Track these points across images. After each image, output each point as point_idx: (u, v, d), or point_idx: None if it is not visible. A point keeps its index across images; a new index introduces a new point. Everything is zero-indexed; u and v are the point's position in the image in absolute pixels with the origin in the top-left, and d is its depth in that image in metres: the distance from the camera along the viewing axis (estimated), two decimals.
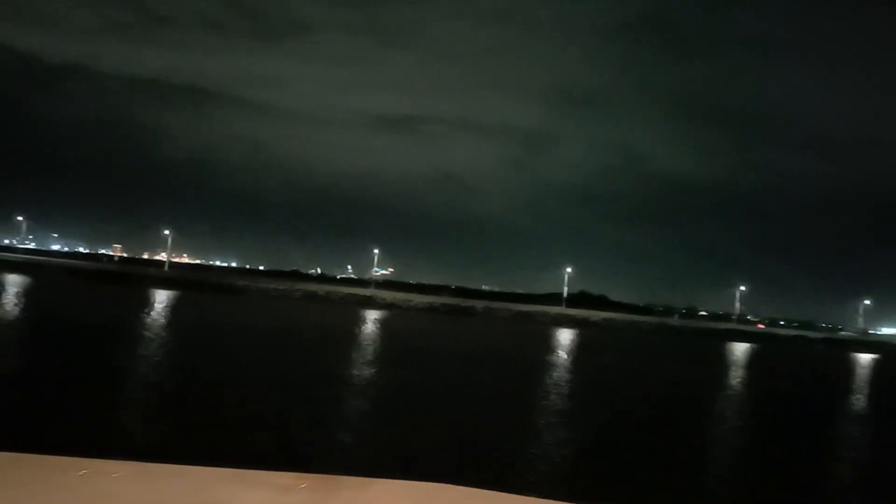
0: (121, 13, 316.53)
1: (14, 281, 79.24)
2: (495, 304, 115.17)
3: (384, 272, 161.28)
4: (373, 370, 32.39)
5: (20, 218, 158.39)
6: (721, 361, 65.18)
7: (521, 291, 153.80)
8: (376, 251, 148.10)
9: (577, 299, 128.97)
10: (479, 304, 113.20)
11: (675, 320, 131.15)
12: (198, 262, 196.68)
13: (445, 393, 27.52)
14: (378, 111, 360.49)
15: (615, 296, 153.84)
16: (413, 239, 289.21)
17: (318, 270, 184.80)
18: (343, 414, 21.25)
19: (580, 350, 63.13)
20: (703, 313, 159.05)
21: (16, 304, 50.09)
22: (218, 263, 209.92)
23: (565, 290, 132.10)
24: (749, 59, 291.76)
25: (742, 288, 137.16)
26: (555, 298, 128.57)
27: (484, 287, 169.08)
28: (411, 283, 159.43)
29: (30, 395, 19.26)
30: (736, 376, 50.68)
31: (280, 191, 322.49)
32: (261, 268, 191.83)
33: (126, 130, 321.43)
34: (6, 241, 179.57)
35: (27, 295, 61.49)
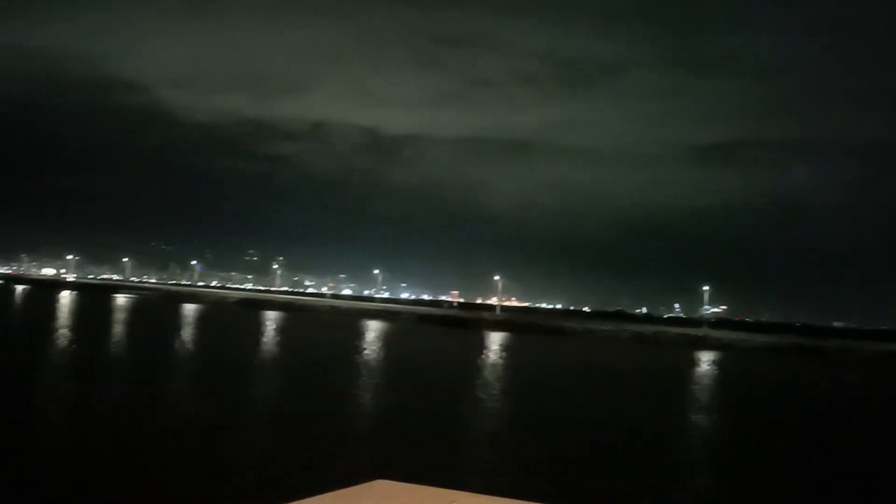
0: (445, 83, 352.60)
1: (379, 327, 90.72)
2: (852, 344, 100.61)
3: (716, 310, 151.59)
4: (716, 419, 30.16)
5: (376, 271, 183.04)
6: None
7: (885, 328, 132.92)
8: (706, 288, 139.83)
9: None
10: (832, 344, 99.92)
11: None
12: (526, 304, 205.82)
13: (813, 451, 24.39)
14: (692, 142, 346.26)
15: None
16: (747, 274, 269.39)
17: (644, 310, 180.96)
18: (693, 470, 19.94)
19: None
20: None
21: (387, 348, 57.09)
22: (544, 305, 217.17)
23: None
24: None
25: None
26: None
27: (835, 324, 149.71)
28: (748, 322, 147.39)
29: (379, 425, 21.42)
30: None
31: (599, 231, 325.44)
32: (585, 309, 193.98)
33: (456, 187, 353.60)
34: (366, 292, 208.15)
35: (387, 340, 69.74)
